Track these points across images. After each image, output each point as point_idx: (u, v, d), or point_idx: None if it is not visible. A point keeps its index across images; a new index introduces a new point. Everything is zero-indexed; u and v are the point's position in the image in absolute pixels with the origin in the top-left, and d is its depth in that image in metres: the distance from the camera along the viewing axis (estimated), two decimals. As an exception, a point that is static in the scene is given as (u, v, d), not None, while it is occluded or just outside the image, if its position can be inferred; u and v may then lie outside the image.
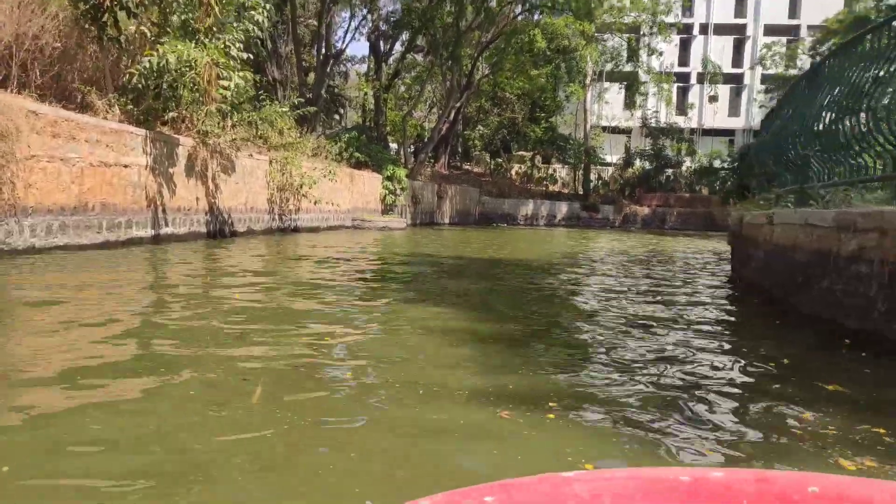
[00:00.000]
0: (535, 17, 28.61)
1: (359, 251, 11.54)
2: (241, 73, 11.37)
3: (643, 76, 45.17)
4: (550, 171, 37.97)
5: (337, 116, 42.74)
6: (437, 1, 24.93)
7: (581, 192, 36.36)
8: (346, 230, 18.29)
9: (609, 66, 38.81)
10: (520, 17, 28.42)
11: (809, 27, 42.65)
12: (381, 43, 29.50)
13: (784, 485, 0.80)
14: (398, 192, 21.14)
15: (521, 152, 42.74)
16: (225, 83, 10.82)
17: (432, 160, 35.88)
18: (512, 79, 34.30)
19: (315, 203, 16.01)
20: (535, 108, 44.45)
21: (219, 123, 12.16)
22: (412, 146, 33.42)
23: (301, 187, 15.18)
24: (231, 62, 11.18)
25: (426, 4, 25.41)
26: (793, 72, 38.60)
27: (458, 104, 29.44)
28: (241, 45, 11.87)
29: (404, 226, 20.51)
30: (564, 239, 20.01)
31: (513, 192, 34.05)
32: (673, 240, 21.25)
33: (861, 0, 37.62)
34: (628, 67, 45.49)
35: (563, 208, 33.63)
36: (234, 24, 12.01)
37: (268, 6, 13.23)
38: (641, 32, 35.46)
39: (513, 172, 39.26)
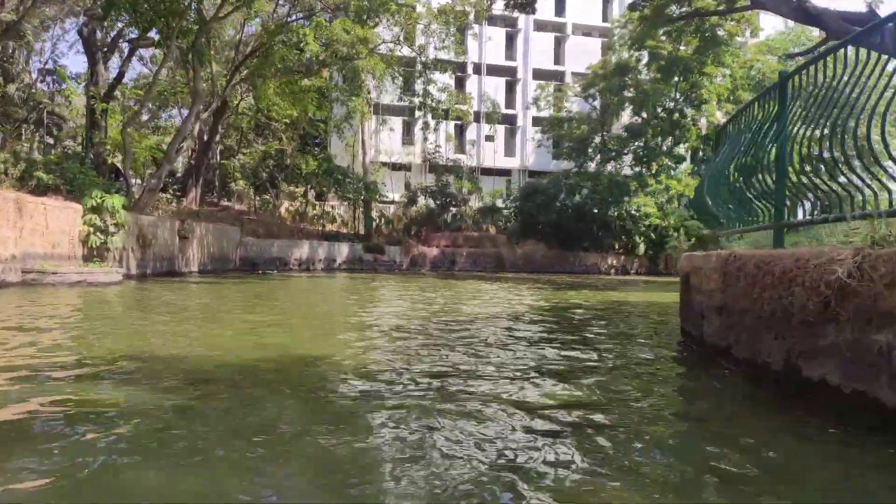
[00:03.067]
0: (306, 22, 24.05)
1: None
2: None
3: (419, 111, 43.17)
4: (327, 209, 33.16)
5: (51, 139, 33.50)
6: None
7: (363, 232, 32.05)
8: (9, 287, 11.44)
9: (389, 95, 35.59)
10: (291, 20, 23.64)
11: (573, 73, 44.27)
12: (97, 35, 22.49)
13: None
14: (111, 229, 14.59)
15: (291, 188, 37.41)
16: None
17: (178, 194, 28.88)
18: (279, 96, 29.19)
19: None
20: (306, 140, 39.64)
21: None
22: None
23: None
24: None
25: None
26: (563, 114, 39.13)
27: (205, 116, 23.37)
28: None
29: (120, 278, 14.01)
30: (348, 294, 15.14)
31: (283, 232, 28.50)
32: (487, 288, 17.55)
33: (616, 51, 39.56)
34: (403, 102, 43.18)
35: (343, 250, 28.91)
36: None
37: None
38: (418, 63, 32.80)
39: (282, 210, 33.71)
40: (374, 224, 32.58)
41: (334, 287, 17.28)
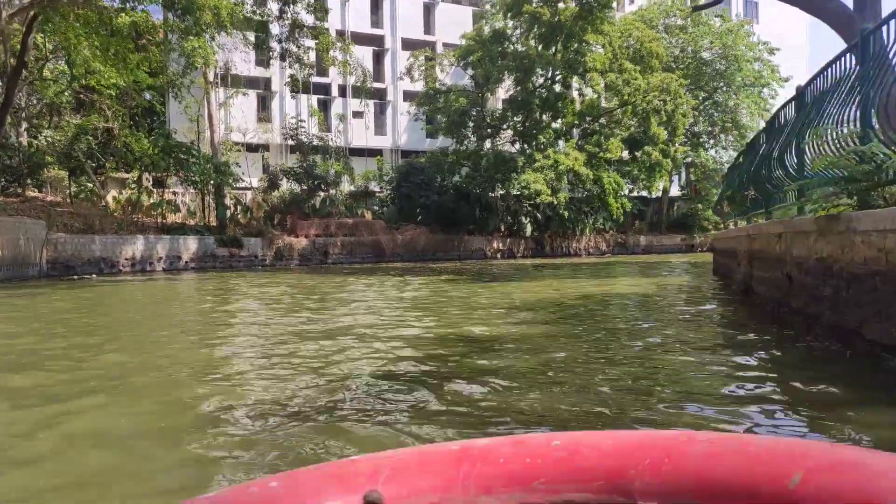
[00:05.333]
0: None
1: None
2: None
3: (276, 82, 38.02)
4: (169, 197, 27.50)
5: None
6: None
7: (215, 223, 26.85)
8: None
9: (242, 61, 30.30)
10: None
11: (445, 44, 41.17)
12: None
13: (533, 444, 0.96)
14: None
15: (120, 173, 31.03)
16: None
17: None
18: (100, 61, 23.27)
19: None
20: (140, 116, 33.25)
21: None
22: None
23: None
24: None
25: None
26: (439, 85, 35.89)
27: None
28: None
29: None
30: (192, 307, 11.01)
31: (110, 226, 22.77)
32: (379, 291, 13.92)
33: (489, 20, 36.97)
34: (258, 72, 37.78)
35: (190, 245, 23.69)
36: None
37: None
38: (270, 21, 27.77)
39: (109, 199, 27.57)
40: (228, 213, 27.44)
41: (175, 295, 12.70)
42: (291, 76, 27.94)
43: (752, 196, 9.49)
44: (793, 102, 7.51)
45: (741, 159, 11.89)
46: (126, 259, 21.45)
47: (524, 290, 11.68)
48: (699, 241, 38.44)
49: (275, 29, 26.59)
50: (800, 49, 48.47)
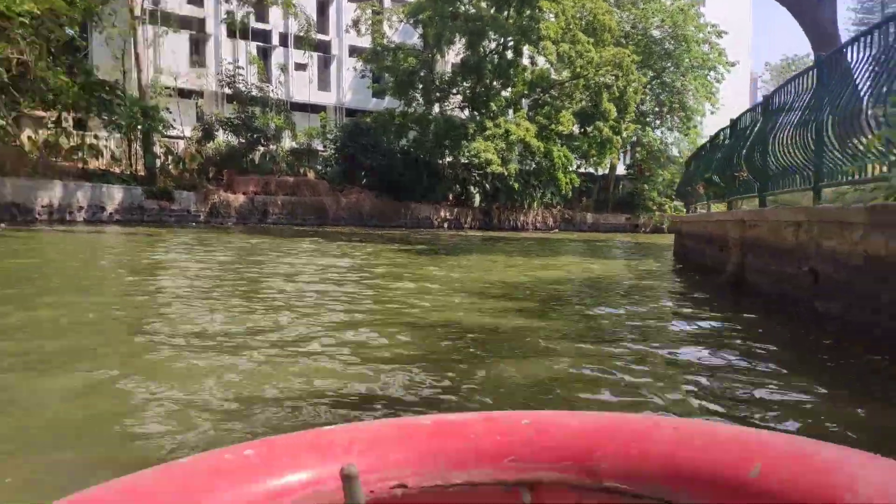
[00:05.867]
0: None
1: None
2: None
3: (211, 24, 35.38)
4: (90, 140, 25.11)
5: None
6: None
7: (143, 173, 24.78)
8: None
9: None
10: None
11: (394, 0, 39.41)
12: None
13: (504, 421, 0.97)
14: None
15: (37, 112, 28.12)
16: None
17: None
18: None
19: None
20: (60, 50, 30.14)
21: None
22: None
23: None
24: None
25: None
26: (387, 42, 34.35)
27: None
28: None
29: None
30: (124, 266, 9.84)
31: (22, 168, 20.50)
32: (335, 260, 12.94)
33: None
34: (190, 10, 35.00)
35: (116, 195, 21.71)
36: None
37: None
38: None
39: (24, 139, 24.94)
40: (158, 163, 25.37)
41: (101, 252, 11.30)
42: (228, 13, 25.54)
43: (743, 178, 9.07)
44: (813, 72, 6.87)
45: (721, 140, 11.48)
46: (42, 206, 19.38)
47: (489, 268, 11.00)
48: (643, 222, 38.96)
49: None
50: (743, 35, 49.47)
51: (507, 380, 3.35)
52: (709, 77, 39.22)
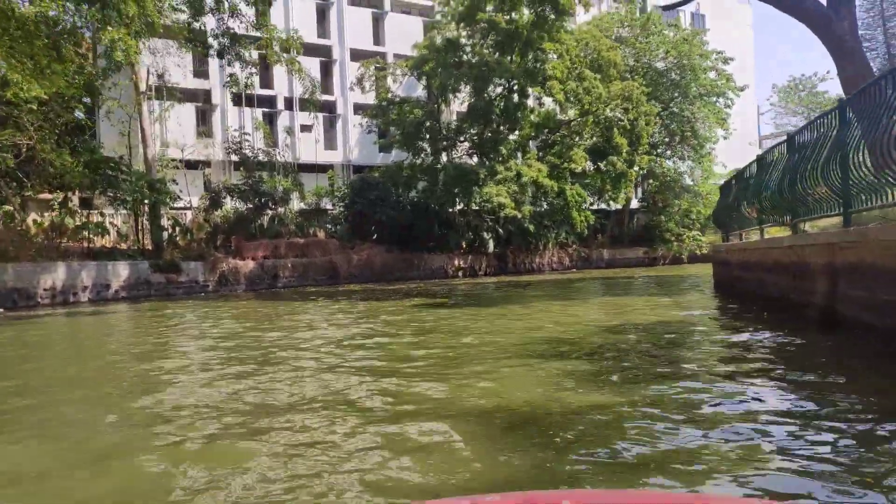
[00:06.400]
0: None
1: None
2: None
3: (217, 94, 35.67)
4: (96, 219, 24.85)
5: None
6: None
7: (150, 247, 24.38)
8: None
9: (179, 69, 28.01)
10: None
11: (396, 55, 39.63)
12: None
13: (543, 502, 0.91)
14: None
15: (44, 194, 28.11)
16: None
17: None
18: (14, 70, 20.70)
19: None
20: (66, 132, 30.38)
21: None
22: None
23: None
24: None
25: None
26: (392, 95, 34.29)
27: None
28: None
29: None
30: (120, 356, 9.15)
31: (26, 252, 20.12)
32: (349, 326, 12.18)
33: (441, 29, 35.64)
34: (196, 83, 35.38)
35: (121, 272, 21.22)
36: None
37: None
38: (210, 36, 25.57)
39: (30, 223, 24.75)
40: (165, 235, 25.00)
41: (95, 339, 10.58)
42: (231, 76, 25.36)
43: (818, 197, 7.69)
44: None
45: (776, 157, 9.95)
46: (45, 290, 18.86)
47: (526, 317, 10.07)
48: (661, 254, 37.80)
49: (210, 23, 24.37)
50: (746, 60, 49.08)
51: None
52: (717, 103, 38.57)
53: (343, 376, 5.34)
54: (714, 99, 38.33)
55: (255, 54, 25.78)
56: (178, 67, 29.47)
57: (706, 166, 38.93)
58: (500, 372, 5.33)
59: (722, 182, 17.95)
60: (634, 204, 41.27)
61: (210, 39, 23.34)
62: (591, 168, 33.29)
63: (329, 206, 31.53)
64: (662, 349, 6.55)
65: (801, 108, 52.95)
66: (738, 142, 44.01)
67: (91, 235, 23.02)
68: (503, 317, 10.27)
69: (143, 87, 25.68)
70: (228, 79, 25.03)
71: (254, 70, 25.09)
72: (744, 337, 7.06)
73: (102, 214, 24.45)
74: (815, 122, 7.58)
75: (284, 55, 24.68)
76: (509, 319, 9.72)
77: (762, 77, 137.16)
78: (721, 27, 48.24)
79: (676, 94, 38.04)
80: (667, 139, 39.05)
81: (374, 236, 29.82)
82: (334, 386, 4.95)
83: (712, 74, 38.11)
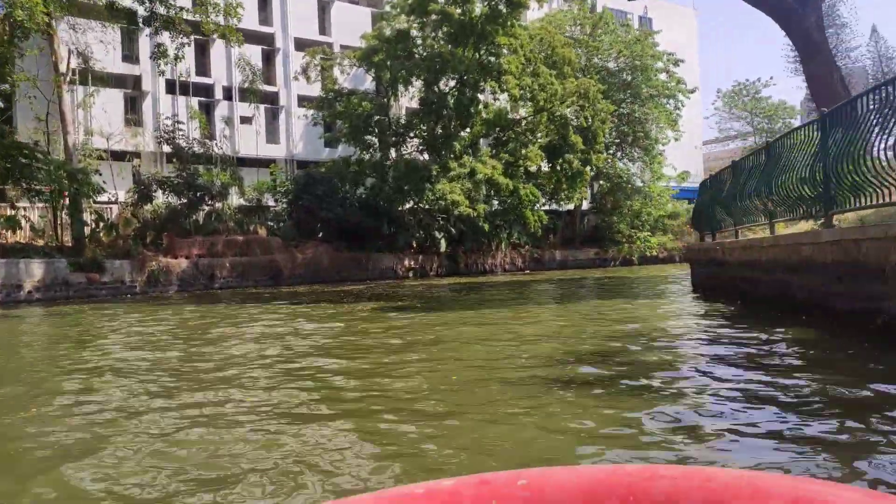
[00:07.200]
0: None
1: None
2: None
3: (148, 81, 33.19)
4: (8, 212, 22.35)
5: None
6: None
7: (70, 244, 22.04)
8: None
9: (105, 54, 25.63)
10: None
11: (342, 46, 37.93)
12: None
13: (499, 483, 0.94)
14: None
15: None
16: None
17: None
18: None
19: None
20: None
21: None
22: None
23: None
24: None
25: None
26: (338, 87, 32.66)
27: None
28: None
29: None
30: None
31: (-80, 248, 17.63)
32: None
33: (390, 21, 34.23)
34: (125, 68, 32.84)
35: (35, 271, 18.92)
36: None
37: None
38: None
39: (-71, 216, 22.08)
40: (86, 230, 22.69)
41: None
42: (158, 45, 22.76)
43: (850, 183, 6.62)
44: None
45: (796, 141, 9.01)
46: (-59, 292, 16.50)
47: (493, 331, 8.86)
48: (612, 255, 37.50)
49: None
50: (691, 66, 49.65)
51: None
52: (667, 105, 38.60)
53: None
54: (665, 101, 38.33)
55: (187, 22, 23.37)
56: (104, 49, 27.04)
57: (656, 168, 38.90)
58: (540, 411, 4.10)
59: (699, 182, 17.23)
60: (585, 205, 40.91)
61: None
62: (547, 167, 32.55)
63: (271, 203, 29.63)
64: (664, 369, 5.47)
65: (745, 113, 54.03)
66: (684, 146, 44.38)
67: (1, 230, 20.57)
68: (486, 324, 9.05)
69: (62, 67, 23.23)
70: (155, 49, 22.58)
71: (186, 40, 22.76)
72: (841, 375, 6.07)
73: (14, 207, 21.97)
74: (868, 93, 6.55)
75: (222, 22, 22.51)
76: (496, 327, 8.52)
77: (706, 83, 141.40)
78: (667, 31, 48.63)
79: (628, 95, 37.84)
80: (618, 140, 38.83)
81: (320, 235, 28.15)
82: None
83: (663, 76, 38.10)
